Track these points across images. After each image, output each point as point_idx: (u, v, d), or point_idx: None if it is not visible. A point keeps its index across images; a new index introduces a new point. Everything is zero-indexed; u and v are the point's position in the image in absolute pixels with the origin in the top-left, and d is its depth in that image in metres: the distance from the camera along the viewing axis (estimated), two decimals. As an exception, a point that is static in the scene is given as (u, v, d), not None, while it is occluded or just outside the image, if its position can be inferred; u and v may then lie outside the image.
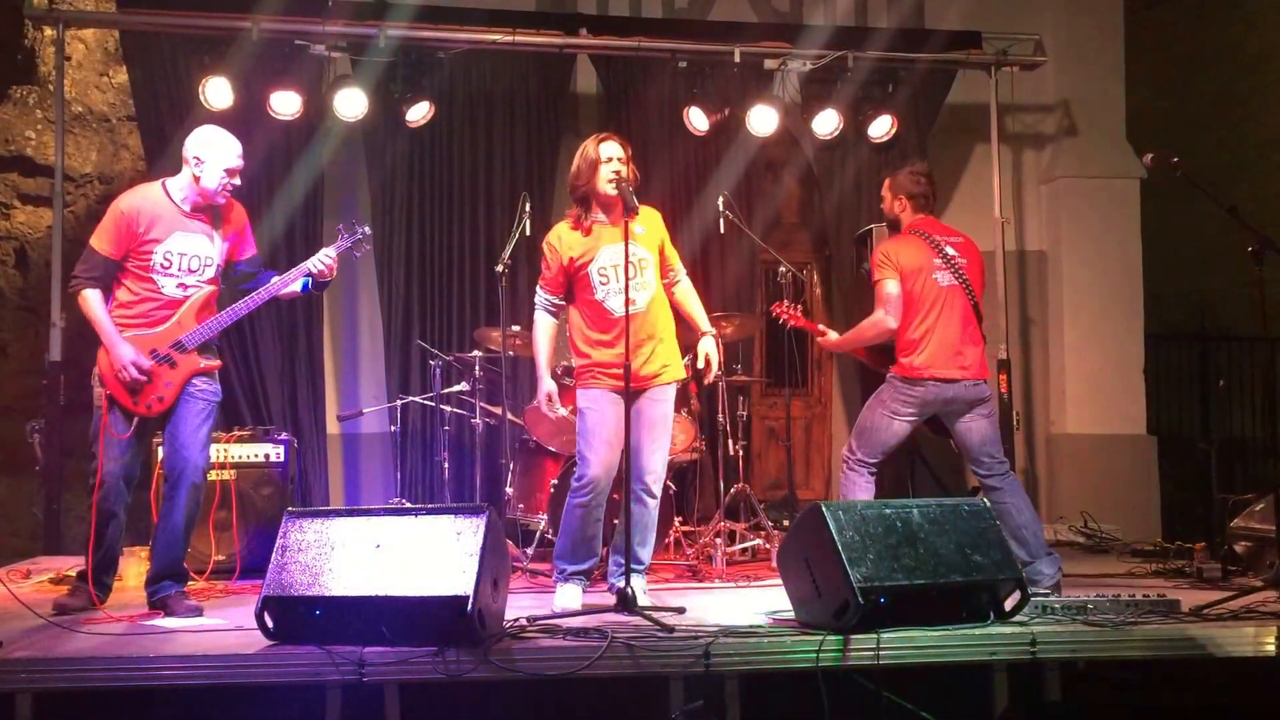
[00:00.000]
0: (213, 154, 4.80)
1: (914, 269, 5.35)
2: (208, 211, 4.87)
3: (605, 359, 4.91)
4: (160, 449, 5.96)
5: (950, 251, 5.41)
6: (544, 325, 5.07)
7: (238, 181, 4.87)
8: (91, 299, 4.75)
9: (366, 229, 5.26)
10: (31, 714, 3.81)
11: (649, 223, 5.04)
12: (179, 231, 4.79)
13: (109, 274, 4.79)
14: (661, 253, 5.08)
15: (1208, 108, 10.59)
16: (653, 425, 4.94)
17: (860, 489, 5.39)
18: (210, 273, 4.87)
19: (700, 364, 5.11)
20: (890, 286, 5.36)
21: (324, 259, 5.02)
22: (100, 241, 4.78)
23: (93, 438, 4.81)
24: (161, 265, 4.76)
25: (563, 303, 5.07)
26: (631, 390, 4.85)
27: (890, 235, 5.70)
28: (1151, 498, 8.44)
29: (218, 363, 4.94)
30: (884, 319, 5.37)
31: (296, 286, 5.03)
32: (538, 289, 5.11)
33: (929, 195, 5.59)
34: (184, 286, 4.80)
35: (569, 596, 4.88)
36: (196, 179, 4.81)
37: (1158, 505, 8.43)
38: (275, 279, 5.00)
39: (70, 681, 3.84)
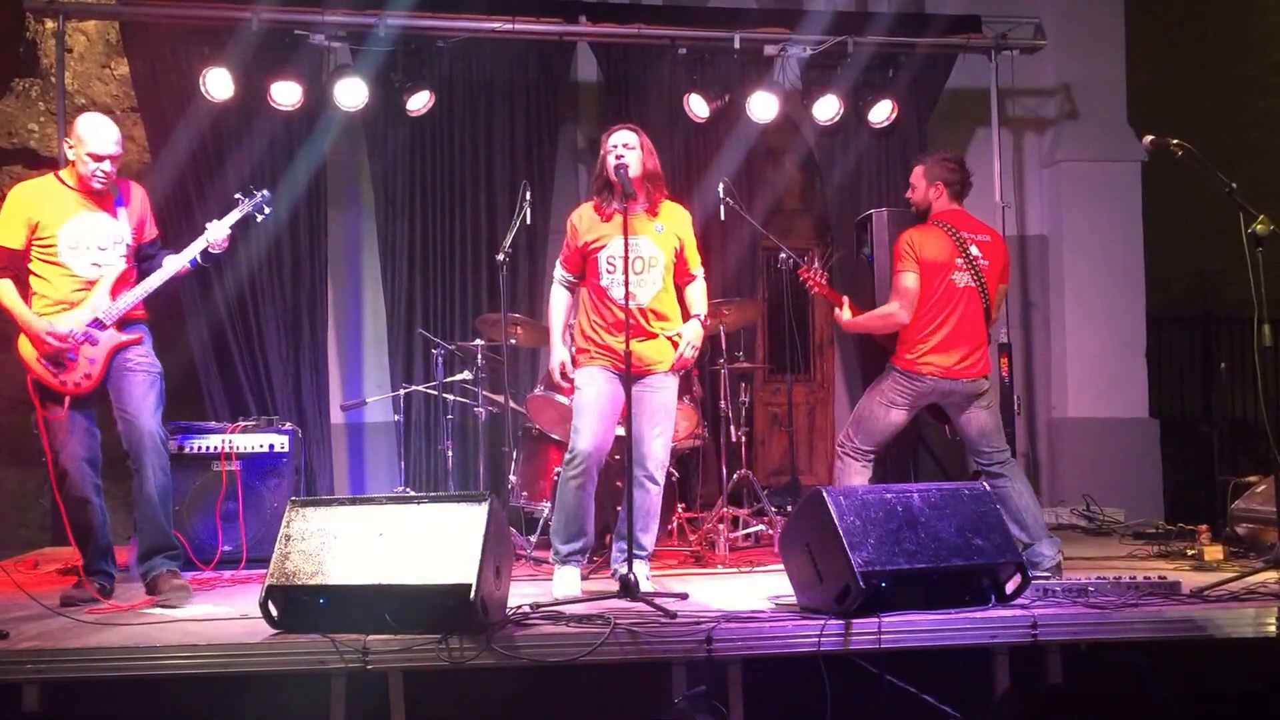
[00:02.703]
0: (80, 142, 4.86)
1: (935, 265, 5.30)
2: (105, 195, 4.97)
3: (601, 341, 5.00)
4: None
5: (974, 251, 5.35)
6: (558, 299, 5.20)
7: (107, 167, 4.88)
8: (2, 287, 4.85)
9: (266, 193, 5.38)
10: (39, 704, 3.83)
11: (671, 221, 5.07)
12: (81, 212, 4.91)
13: (15, 264, 4.88)
14: (680, 253, 5.09)
15: (1210, 90, 10.55)
16: (652, 412, 4.97)
17: (855, 476, 5.39)
18: (122, 249, 4.96)
19: (674, 332, 5.07)
20: (908, 280, 5.30)
21: (214, 233, 5.10)
22: (2, 234, 4.87)
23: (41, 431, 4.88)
24: (70, 247, 4.86)
25: (578, 280, 5.14)
26: (629, 376, 4.89)
27: (915, 224, 5.60)
28: (1154, 481, 8.45)
29: (138, 336, 4.96)
30: (898, 312, 5.32)
31: (185, 262, 5.09)
32: (557, 263, 5.22)
33: (965, 183, 5.52)
34: (97, 265, 4.90)
35: (567, 579, 4.90)
36: (72, 164, 4.92)
37: (1160, 488, 8.43)
38: (172, 256, 5.10)
39: (76, 672, 3.87)
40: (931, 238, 5.38)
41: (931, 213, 5.50)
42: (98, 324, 4.84)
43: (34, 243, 4.86)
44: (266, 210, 5.39)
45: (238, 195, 5.36)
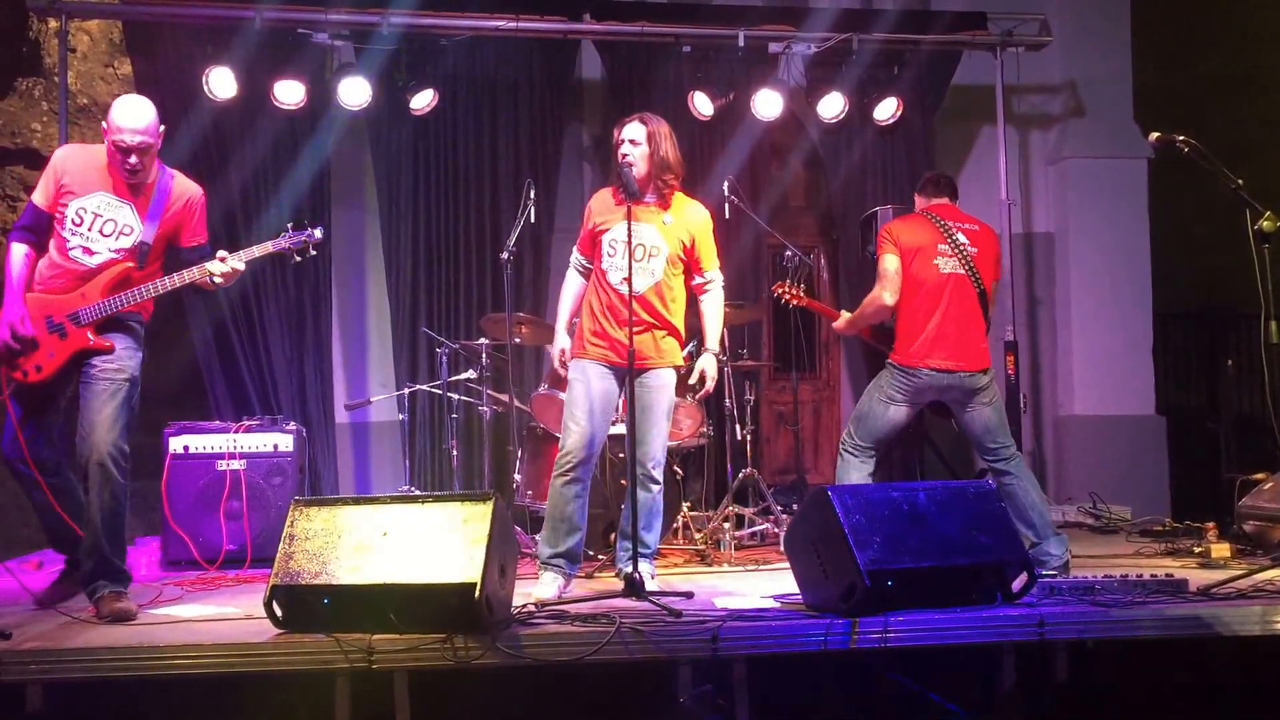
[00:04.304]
0: (111, 123, 4.50)
1: (913, 248, 5.33)
2: (143, 185, 4.63)
3: (596, 328, 4.98)
4: (167, 435, 6.06)
5: (961, 239, 5.37)
6: (570, 282, 5.18)
7: (134, 160, 4.51)
8: (11, 252, 4.58)
9: (316, 233, 4.89)
10: (42, 704, 3.82)
11: (682, 216, 5.01)
12: (102, 191, 4.57)
13: (39, 227, 4.59)
14: (689, 252, 5.02)
15: (1216, 85, 10.52)
16: (644, 410, 4.91)
17: (856, 474, 5.37)
18: (126, 243, 4.58)
19: (694, 379, 5.06)
20: (887, 262, 5.35)
21: (223, 268, 4.65)
22: (36, 191, 4.63)
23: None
24: (73, 221, 4.54)
25: (591, 265, 5.10)
26: (619, 370, 4.91)
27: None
28: (1161, 478, 8.42)
29: (109, 343, 4.54)
30: (879, 295, 5.37)
31: (204, 277, 4.67)
32: (574, 248, 5.21)
33: (940, 181, 5.58)
34: (89, 251, 4.55)
35: (545, 585, 4.82)
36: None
37: (1167, 486, 8.41)
38: (177, 276, 4.66)
39: (80, 672, 3.86)
40: (910, 224, 5.45)
41: (917, 209, 5.60)
42: (74, 318, 4.51)
43: (57, 206, 4.56)
44: (311, 253, 4.89)
45: (288, 225, 4.90)
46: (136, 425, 4.70)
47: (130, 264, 4.61)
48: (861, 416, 5.43)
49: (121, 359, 4.59)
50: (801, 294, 5.79)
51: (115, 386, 4.53)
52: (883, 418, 5.35)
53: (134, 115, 4.51)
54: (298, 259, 4.96)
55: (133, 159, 4.52)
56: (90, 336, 4.54)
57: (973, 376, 5.32)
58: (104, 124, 4.55)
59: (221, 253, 4.70)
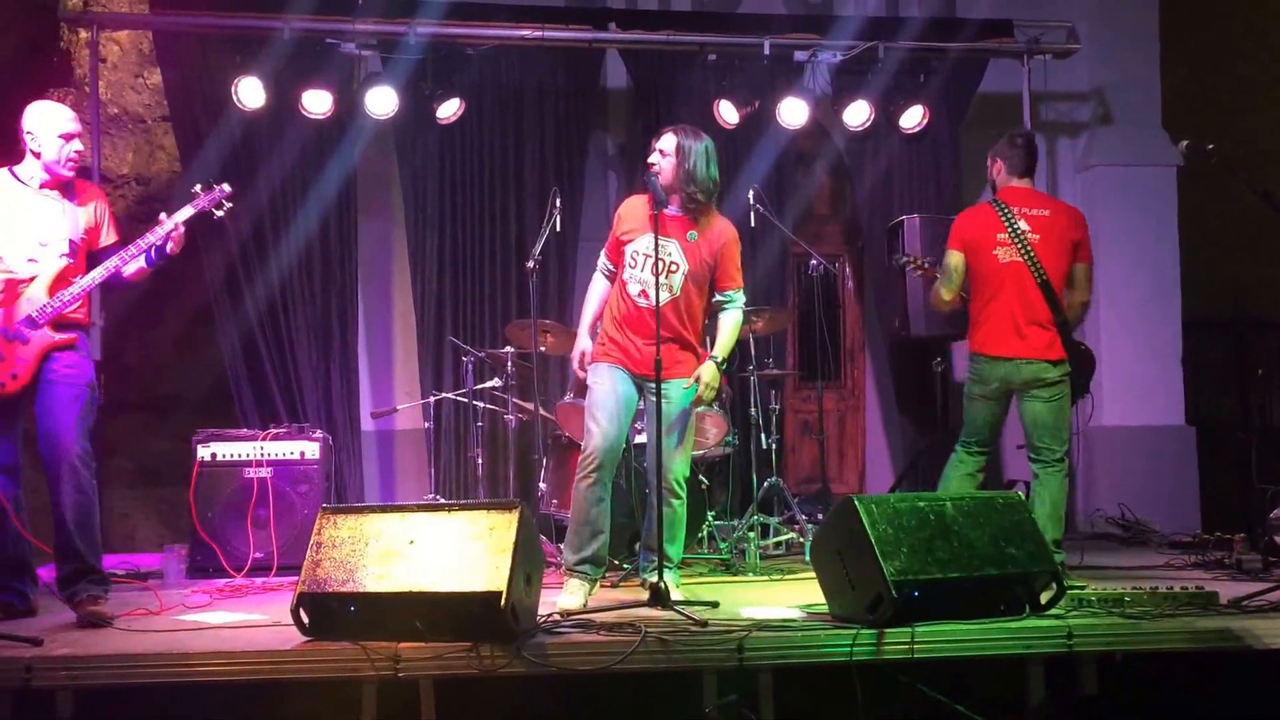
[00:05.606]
0: (42, 124, 4.68)
1: (975, 244, 5.40)
2: (61, 189, 4.77)
3: (615, 336, 4.99)
4: (194, 443, 6.09)
5: (1022, 226, 5.34)
6: (595, 285, 5.20)
7: (79, 147, 4.74)
8: None
9: (226, 188, 5.03)
10: (73, 711, 3.86)
11: (708, 235, 4.97)
12: (26, 206, 4.69)
13: None
14: (711, 271, 4.99)
15: (1244, 90, 10.44)
16: (665, 420, 4.85)
17: (955, 470, 5.50)
18: (63, 246, 4.71)
19: (687, 383, 4.93)
20: (949, 258, 5.48)
21: (161, 234, 4.77)
22: None
23: None
24: (9, 240, 4.65)
25: (615, 270, 5.09)
26: (638, 378, 4.93)
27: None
28: (1190, 489, 8.35)
29: (72, 338, 4.69)
30: (937, 288, 5.53)
31: (141, 261, 4.81)
32: (602, 251, 5.21)
33: (1023, 156, 5.54)
34: (34, 261, 4.66)
35: (571, 591, 4.81)
36: (36, 155, 4.70)
37: (1196, 497, 8.33)
38: (116, 256, 4.77)
39: (110, 678, 3.88)
40: (975, 217, 5.49)
41: (997, 189, 5.58)
42: (29, 322, 4.59)
43: None
44: (227, 205, 5.03)
45: (196, 188, 5.01)
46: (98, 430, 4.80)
47: (69, 261, 4.72)
48: (964, 412, 5.54)
49: (80, 364, 4.71)
50: (927, 265, 5.95)
51: (76, 392, 4.65)
52: (969, 412, 5.49)
53: (63, 108, 4.79)
54: (218, 214, 5.05)
55: (79, 145, 4.73)
56: (52, 333, 4.64)
57: (1031, 364, 5.30)
58: (29, 131, 4.70)
59: (162, 215, 4.84)
